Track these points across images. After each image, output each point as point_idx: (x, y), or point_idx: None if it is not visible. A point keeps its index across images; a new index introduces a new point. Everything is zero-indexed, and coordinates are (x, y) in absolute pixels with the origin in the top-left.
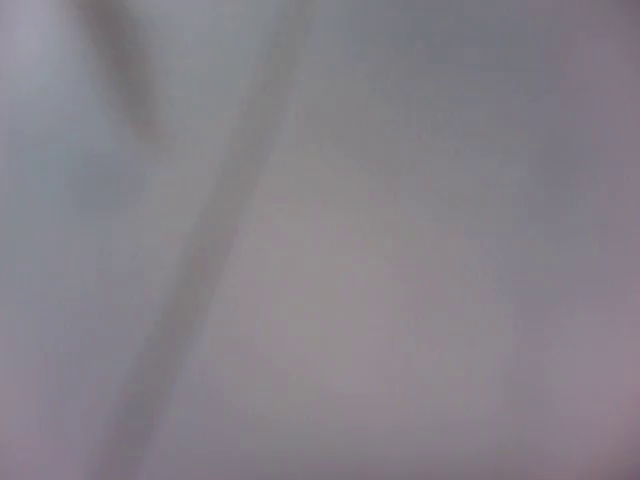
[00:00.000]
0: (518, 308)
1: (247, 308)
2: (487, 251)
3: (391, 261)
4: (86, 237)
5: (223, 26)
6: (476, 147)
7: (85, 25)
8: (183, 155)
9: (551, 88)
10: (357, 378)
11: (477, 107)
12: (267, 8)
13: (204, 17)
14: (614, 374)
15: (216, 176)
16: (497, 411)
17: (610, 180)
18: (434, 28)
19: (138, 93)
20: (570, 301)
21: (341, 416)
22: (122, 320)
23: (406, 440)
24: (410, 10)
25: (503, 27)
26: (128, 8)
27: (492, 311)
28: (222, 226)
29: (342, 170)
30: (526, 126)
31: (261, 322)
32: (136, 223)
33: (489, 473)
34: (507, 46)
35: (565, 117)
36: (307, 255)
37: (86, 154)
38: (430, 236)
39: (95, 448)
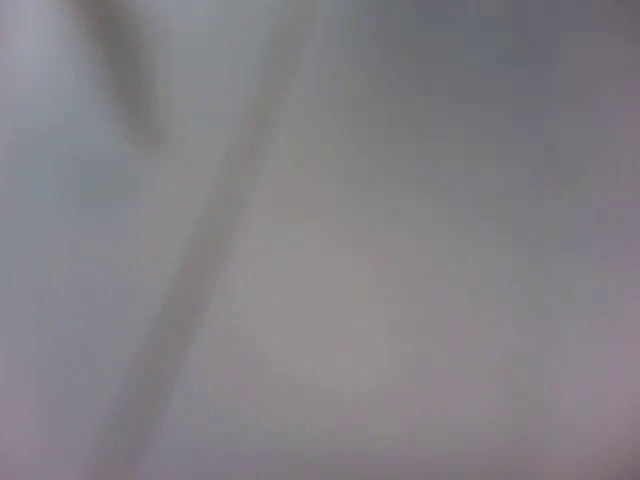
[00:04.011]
0: (519, 310)
1: (247, 308)
2: (488, 254)
3: (392, 264)
4: (86, 236)
5: (223, 26)
6: (476, 148)
7: (85, 25)
8: (183, 155)
9: (552, 89)
10: (357, 380)
11: (477, 108)
12: (267, 9)
13: (204, 17)
14: (614, 375)
15: (216, 177)
16: (498, 412)
17: (611, 181)
18: (434, 29)
19: (138, 94)
20: (570, 302)
21: (342, 417)
22: (122, 320)
23: (407, 441)
24: (411, 11)
25: (505, 28)
26: (128, 8)
27: (493, 313)
28: (221, 226)
29: (342, 170)
30: (527, 127)
31: (260, 322)
32: (136, 223)
33: (490, 473)
34: (509, 46)
35: (566, 118)
36: (307, 255)
37: (86, 154)
38: (430, 240)
39: (95, 449)
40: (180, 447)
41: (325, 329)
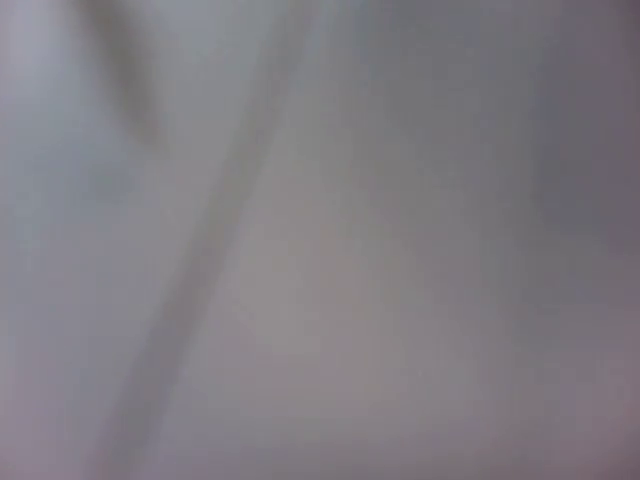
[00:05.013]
0: (518, 309)
1: (247, 308)
2: (486, 252)
3: (390, 263)
4: (86, 237)
5: (223, 26)
6: (476, 147)
7: (85, 26)
8: (183, 155)
9: (552, 88)
10: (357, 380)
11: (477, 107)
12: (267, 8)
13: (204, 17)
14: (614, 374)
15: (216, 176)
16: (496, 413)
17: (610, 181)
18: (434, 27)
19: (138, 94)
20: (569, 300)
21: (340, 418)
22: (121, 320)
23: (406, 443)
24: (411, 10)
25: (504, 27)
26: (128, 9)
27: (492, 312)
28: (222, 226)
29: (342, 170)
30: (526, 125)
31: (260, 322)
32: (136, 223)
33: (489, 475)
34: (508, 45)
35: (565, 118)
36: (307, 256)
37: (86, 154)
38: (429, 238)
39: (95, 450)
40: (180, 450)
41: (325, 330)
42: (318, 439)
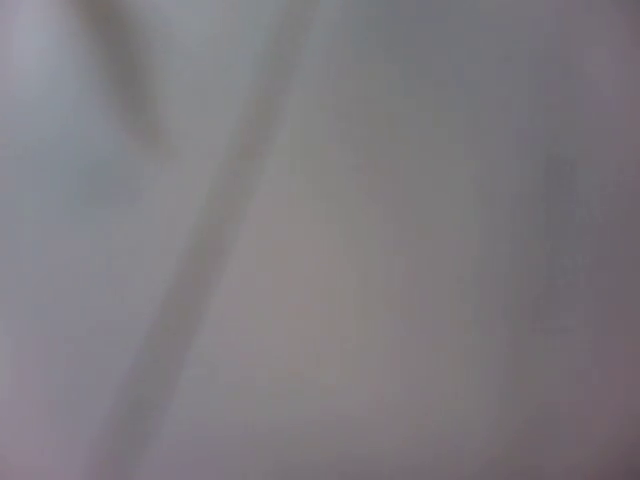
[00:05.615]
0: (517, 309)
1: (247, 308)
2: (486, 252)
3: (390, 265)
4: (86, 237)
5: (223, 26)
6: (474, 148)
7: (85, 26)
8: (183, 155)
9: (551, 88)
10: (356, 380)
11: (476, 108)
12: (267, 8)
13: (204, 17)
14: (613, 374)
15: (216, 176)
16: (496, 413)
17: (611, 183)
18: (434, 28)
19: (138, 94)
20: (570, 302)
21: (340, 418)
22: (122, 320)
23: (406, 441)
24: (411, 10)
25: (504, 27)
26: (128, 9)
27: (491, 313)
28: (222, 226)
29: (342, 170)
30: (525, 127)
31: (260, 322)
32: (136, 223)
33: (488, 475)
34: (508, 46)
35: (565, 119)
36: (307, 256)
37: (86, 154)
38: (430, 240)
39: (94, 449)
40: (181, 447)
41: (325, 331)
42: (319, 439)
